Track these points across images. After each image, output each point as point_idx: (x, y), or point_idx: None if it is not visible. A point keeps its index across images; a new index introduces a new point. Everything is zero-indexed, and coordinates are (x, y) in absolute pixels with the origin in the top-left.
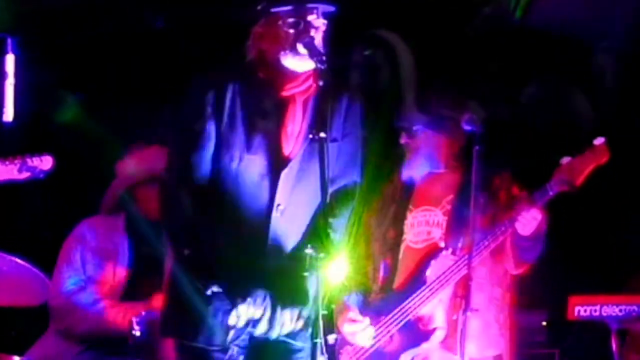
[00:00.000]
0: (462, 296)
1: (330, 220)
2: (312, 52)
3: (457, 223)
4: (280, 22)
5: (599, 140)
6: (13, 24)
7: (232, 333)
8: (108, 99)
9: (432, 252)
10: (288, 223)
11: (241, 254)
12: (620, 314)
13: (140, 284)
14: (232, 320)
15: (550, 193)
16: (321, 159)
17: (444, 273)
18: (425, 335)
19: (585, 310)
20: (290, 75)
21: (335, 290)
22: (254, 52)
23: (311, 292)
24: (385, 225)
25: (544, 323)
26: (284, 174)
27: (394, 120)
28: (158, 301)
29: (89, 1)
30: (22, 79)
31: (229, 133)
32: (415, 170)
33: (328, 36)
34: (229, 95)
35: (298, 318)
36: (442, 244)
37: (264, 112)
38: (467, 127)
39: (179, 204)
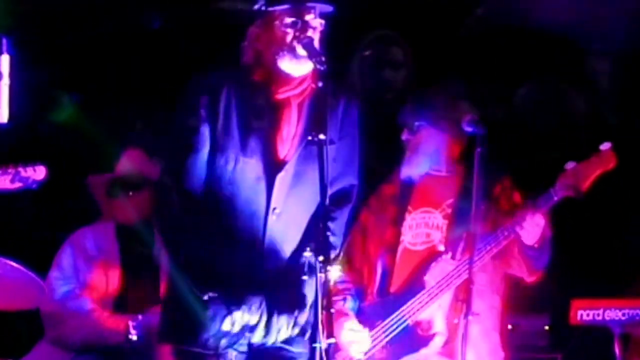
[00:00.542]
0: (464, 300)
1: (328, 224)
2: (312, 53)
3: (457, 227)
4: (277, 22)
5: (605, 146)
6: (8, 24)
7: (226, 339)
8: (104, 100)
9: (432, 256)
10: (284, 227)
11: (237, 258)
12: (623, 318)
13: (133, 290)
14: (226, 326)
15: (555, 198)
16: (320, 162)
17: (444, 278)
18: (424, 341)
19: (588, 315)
20: (285, 78)
21: (333, 294)
22: (250, 53)
23: (309, 297)
24: (382, 226)
25: (547, 327)
26: (279, 177)
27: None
28: (152, 306)
29: (86, 1)
30: (17, 80)
31: (224, 136)
32: (415, 168)
33: (325, 37)
34: (223, 98)
35: (295, 324)
36: (442, 248)
37: (259, 115)
38: (468, 129)
39: (173, 208)
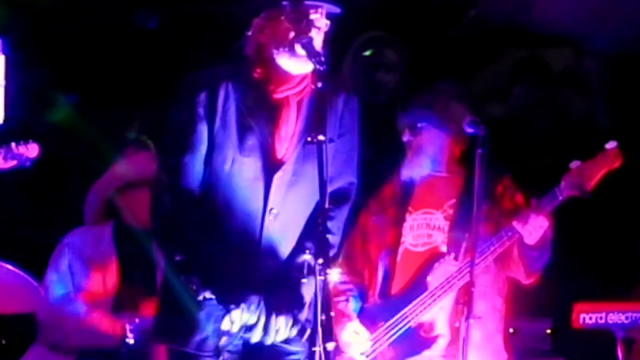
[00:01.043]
0: (465, 303)
1: (327, 223)
2: (311, 54)
3: (459, 228)
4: (282, 17)
5: (611, 144)
6: (3, 24)
7: (225, 339)
8: (101, 100)
9: (434, 257)
10: (282, 227)
11: (234, 258)
12: (626, 321)
13: (130, 293)
14: (225, 325)
15: (560, 198)
16: (319, 163)
17: (446, 279)
18: (427, 343)
19: (590, 318)
20: (284, 77)
21: (334, 295)
22: (252, 45)
23: (308, 298)
24: (383, 228)
25: (549, 331)
26: (277, 177)
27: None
28: (149, 309)
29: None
30: (13, 81)
31: (221, 134)
32: (416, 170)
33: (329, 38)
34: (221, 96)
35: (293, 324)
36: (444, 249)
37: (257, 114)
38: (469, 130)
39: (170, 207)
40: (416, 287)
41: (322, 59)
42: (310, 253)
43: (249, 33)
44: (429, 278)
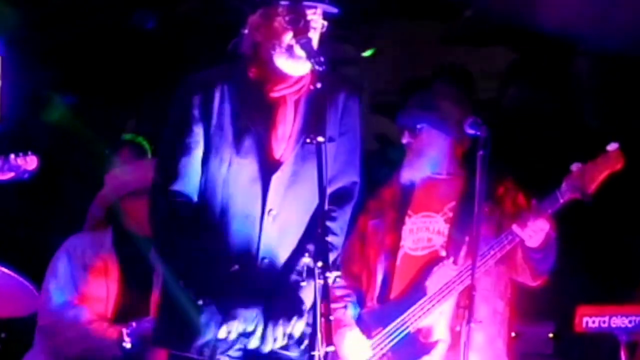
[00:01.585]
0: (466, 306)
1: (328, 224)
2: (310, 54)
3: (459, 231)
4: (279, 16)
5: (612, 146)
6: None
7: (222, 347)
8: (97, 100)
9: (433, 261)
10: (281, 229)
11: (232, 262)
12: (629, 325)
13: (131, 300)
14: (222, 334)
15: (561, 200)
16: (319, 164)
17: (446, 284)
18: (427, 348)
19: (593, 322)
20: (281, 76)
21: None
22: (248, 44)
23: (307, 303)
24: (382, 231)
25: (551, 335)
26: (275, 177)
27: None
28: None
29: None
30: (9, 81)
31: (218, 136)
32: (416, 172)
33: (327, 38)
34: (217, 97)
35: (291, 333)
36: (444, 253)
37: (253, 114)
38: (470, 131)
39: (166, 211)
40: (415, 291)
41: (321, 59)
42: (309, 256)
43: (245, 31)
44: (427, 283)
